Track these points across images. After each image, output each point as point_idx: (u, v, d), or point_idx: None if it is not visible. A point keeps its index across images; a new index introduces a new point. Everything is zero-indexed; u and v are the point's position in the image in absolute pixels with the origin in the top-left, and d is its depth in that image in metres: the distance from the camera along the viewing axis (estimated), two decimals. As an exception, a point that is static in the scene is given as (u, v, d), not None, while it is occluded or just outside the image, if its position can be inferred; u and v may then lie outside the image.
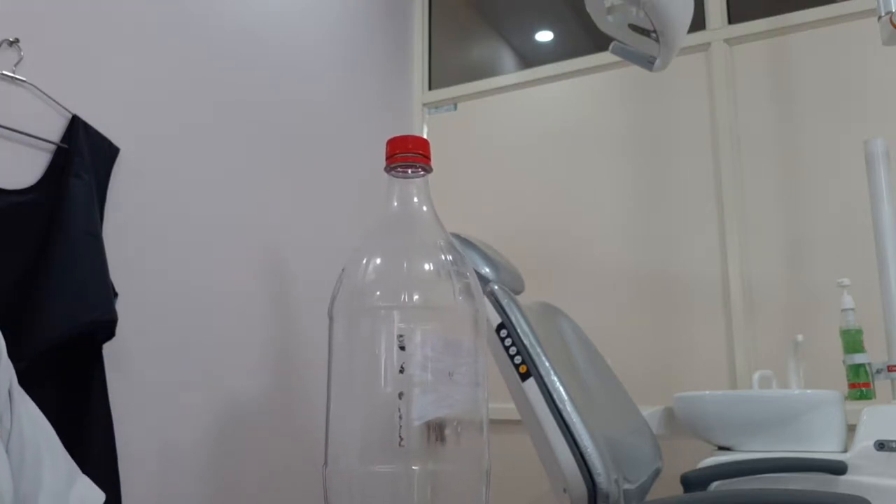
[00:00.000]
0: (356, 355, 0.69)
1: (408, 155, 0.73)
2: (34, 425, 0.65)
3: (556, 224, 2.23)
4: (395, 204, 0.74)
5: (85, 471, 0.72)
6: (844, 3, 1.94)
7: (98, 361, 1.34)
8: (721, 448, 1.56)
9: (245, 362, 1.72)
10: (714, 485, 1.32)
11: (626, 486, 1.18)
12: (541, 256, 2.16)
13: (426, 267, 0.70)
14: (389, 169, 0.74)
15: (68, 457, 0.68)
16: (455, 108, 2.51)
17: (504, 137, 2.38)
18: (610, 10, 1.40)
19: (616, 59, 1.52)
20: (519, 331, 1.19)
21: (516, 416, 1.23)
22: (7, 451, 0.61)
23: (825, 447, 1.44)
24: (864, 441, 1.36)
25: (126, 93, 1.52)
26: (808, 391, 1.53)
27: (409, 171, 0.74)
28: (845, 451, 1.42)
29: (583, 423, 1.11)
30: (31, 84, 1.34)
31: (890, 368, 1.44)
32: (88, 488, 0.68)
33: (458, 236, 1.32)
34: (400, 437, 0.64)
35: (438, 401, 0.65)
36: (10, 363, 0.65)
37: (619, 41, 1.47)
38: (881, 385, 1.50)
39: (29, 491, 0.62)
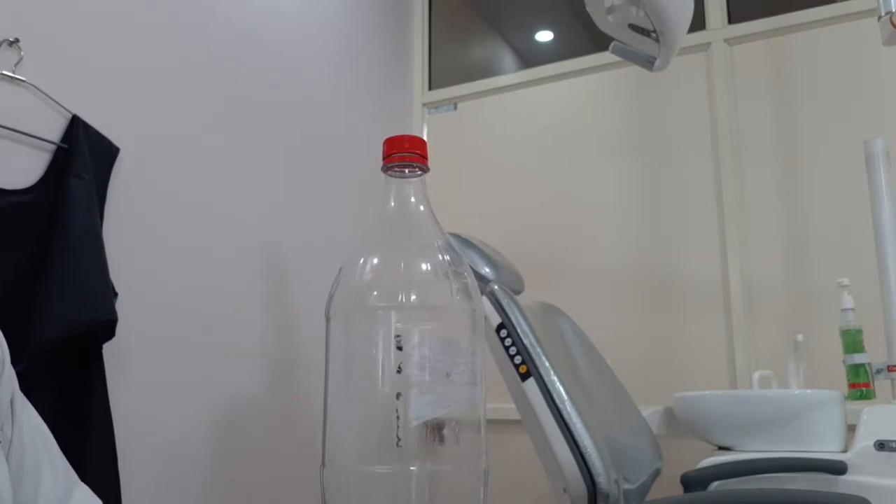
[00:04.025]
0: (353, 355, 0.69)
1: (404, 154, 0.73)
2: (35, 434, 0.65)
3: (556, 224, 2.23)
4: (393, 204, 0.74)
5: (85, 471, 0.72)
6: (844, 3, 1.94)
7: (98, 361, 1.34)
8: (721, 448, 1.56)
9: (244, 362, 1.72)
10: (714, 485, 1.32)
11: (626, 486, 1.18)
12: (541, 256, 2.16)
13: (423, 267, 0.70)
14: (386, 169, 0.74)
15: (68, 465, 0.68)
16: (455, 108, 2.51)
17: (504, 137, 2.38)
18: (610, 10, 1.39)
19: (616, 59, 1.52)
20: (519, 331, 1.19)
21: (516, 416, 1.23)
22: (7, 460, 0.61)
23: (825, 447, 1.44)
24: (864, 441, 1.36)
25: (126, 93, 1.53)
26: (808, 391, 1.53)
27: (406, 170, 0.74)
28: (845, 451, 1.42)
29: (583, 423, 1.11)
30: (31, 84, 1.34)
31: (890, 368, 1.44)
32: (87, 496, 0.68)
33: (457, 236, 1.32)
34: (397, 437, 0.64)
35: (436, 401, 0.65)
36: (13, 371, 0.65)
37: (619, 41, 1.47)
38: (881, 385, 1.50)
39: (28, 500, 0.62)
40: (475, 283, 0.72)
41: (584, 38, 2.33)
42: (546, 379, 1.15)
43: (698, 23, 2.09)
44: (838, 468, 1.37)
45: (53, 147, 1.36)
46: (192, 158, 1.66)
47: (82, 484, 0.69)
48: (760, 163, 2.00)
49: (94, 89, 1.46)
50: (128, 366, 1.44)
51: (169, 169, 1.60)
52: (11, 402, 0.64)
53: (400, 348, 0.65)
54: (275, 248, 1.86)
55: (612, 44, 1.48)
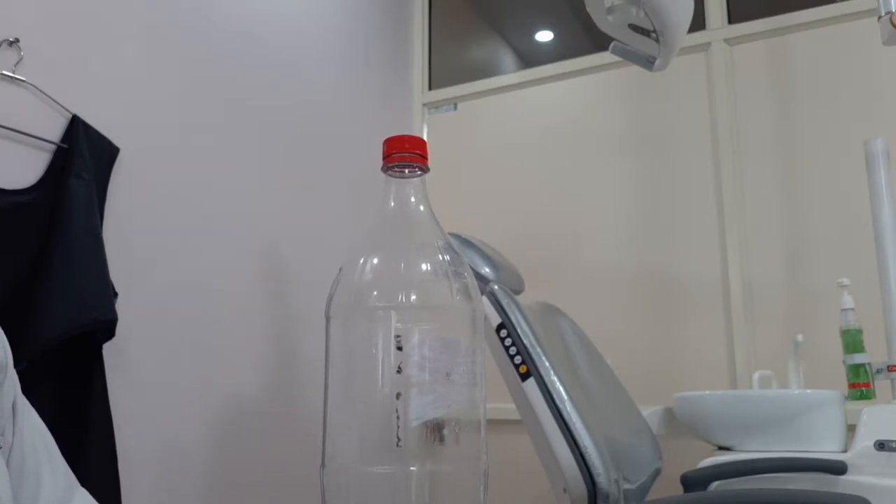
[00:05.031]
0: (353, 355, 0.69)
1: (404, 154, 0.73)
2: (35, 438, 0.65)
3: (556, 224, 2.23)
4: (392, 204, 0.73)
5: (85, 471, 0.72)
6: (844, 3, 1.94)
7: (98, 361, 1.34)
8: (721, 448, 1.56)
9: (244, 362, 1.72)
10: (714, 485, 1.32)
11: (626, 486, 1.18)
12: (541, 256, 2.16)
13: (423, 267, 0.70)
14: (386, 169, 0.74)
15: (68, 470, 0.68)
16: (455, 108, 2.51)
17: (504, 137, 2.38)
18: (610, 10, 1.39)
19: (616, 59, 1.52)
20: (519, 331, 1.19)
21: (516, 416, 1.23)
22: (8, 464, 0.61)
23: (825, 447, 1.44)
24: (864, 441, 1.36)
25: (126, 93, 1.53)
26: (808, 391, 1.53)
27: (406, 170, 0.74)
28: (845, 451, 1.42)
29: (583, 423, 1.11)
30: (31, 84, 1.34)
31: (890, 368, 1.44)
32: (87, 502, 0.68)
33: (457, 236, 1.32)
34: (397, 437, 0.64)
35: (436, 401, 0.65)
36: (16, 374, 0.65)
37: (619, 41, 1.47)
38: (881, 385, 1.50)
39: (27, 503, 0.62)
40: (475, 283, 0.72)
41: (584, 38, 2.33)
42: (546, 379, 1.15)
43: (698, 23, 2.09)
44: (838, 468, 1.37)
45: (53, 147, 1.36)
46: (193, 158, 1.66)
47: (82, 488, 0.69)
48: (760, 163, 2.00)
49: (94, 89, 1.46)
50: (128, 366, 1.44)
51: (169, 169, 1.60)
52: (13, 405, 0.64)
53: (400, 348, 0.65)
54: (275, 247, 1.86)
55: (612, 44, 1.48)
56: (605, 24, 1.43)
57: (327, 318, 0.71)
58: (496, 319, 1.21)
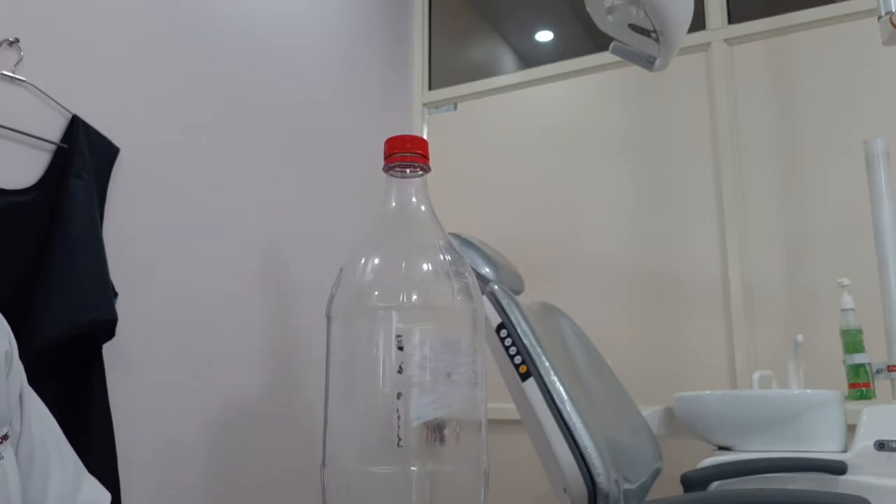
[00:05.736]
0: (354, 355, 0.69)
1: (406, 154, 0.73)
2: (43, 427, 0.65)
3: (556, 224, 2.23)
4: (394, 204, 0.74)
5: (84, 471, 0.72)
6: (844, 3, 1.94)
7: (98, 361, 1.34)
8: (721, 448, 1.56)
9: (245, 362, 1.72)
10: (714, 485, 1.32)
11: (626, 485, 1.18)
12: (541, 256, 2.16)
13: (424, 267, 0.70)
14: (387, 169, 0.74)
15: (76, 457, 0.68)
16: (455, 108, 2.51)
17: (504, 137, 2.38)
18: (610, 10, 1.39)
19: (616, 59, 1.52)
20: (519, 331, 1.19)
21: (516, 416, 1.23)
22: (16, 454, 0.61)
23: (825, 447, 1.44)
24: (864, 441, 1.36)
25: (126, 93, 1.53)
26: (808, 391, 1.53)
27: (408, 170, 0.74)
28: (845, 451, 1.42)
29: (583, 422, 1.11)
30: (31, 84, 1.34)
31: (890, 368, 1.44)
32: (95, 489, 0.69)
33: (458, 236, 1.32)
34: (398, 437, 0.64)
35: (437, 401, 0.65)
36: (21, 365, 0.65)
37: (619, 41, 1.47)
38: (881, 385, 1.50)
39: (37, 494, 0.62)
40: (476, 283, 0.72)
41: (584, 38, 2.33)
42: (546, 379, 1.15)
43: (698, 23, 2.09)
44: (838, 468, 1.37)
45: (53, 147, 1.36)
46: (192, 158, 1.66)
47: (90, 476, 0.69)
48: (760, 163, 2.00)
49: (94, 89, 1.46)
50: (128, 366, 1.44)
51: (169, 169, 1.60)
52: (20, 396, 0.64)
53: (401, 348, 0.65)
54: (275, 248, 1.86)
55: (612, 44, 1.48)
56: (605, 24, 1.43)
57: (328, 318, 0.71)
58: (496, 319, 1.21)
